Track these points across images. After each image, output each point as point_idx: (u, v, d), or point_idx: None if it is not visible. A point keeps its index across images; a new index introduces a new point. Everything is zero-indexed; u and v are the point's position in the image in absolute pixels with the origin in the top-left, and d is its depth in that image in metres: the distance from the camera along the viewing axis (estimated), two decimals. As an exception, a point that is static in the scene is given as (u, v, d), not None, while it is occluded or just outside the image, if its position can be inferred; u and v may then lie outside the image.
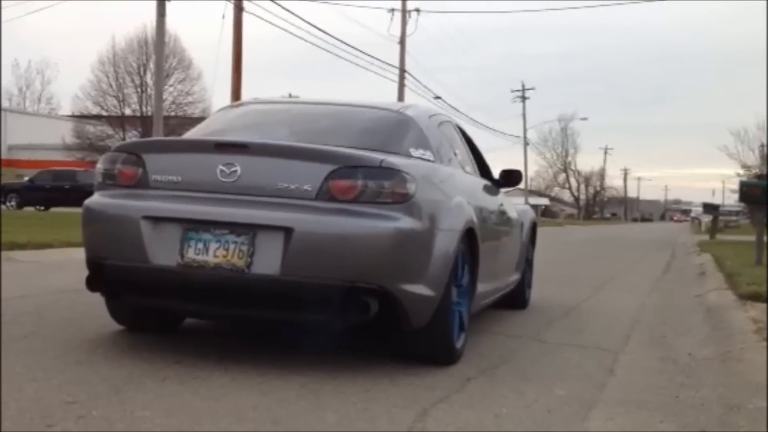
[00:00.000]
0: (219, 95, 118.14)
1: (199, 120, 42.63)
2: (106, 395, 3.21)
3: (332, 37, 35.65)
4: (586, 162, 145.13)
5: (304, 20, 43.91)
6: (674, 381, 4.17)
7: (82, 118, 47.04)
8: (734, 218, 50.93)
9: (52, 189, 29.74)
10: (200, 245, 3.78)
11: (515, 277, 6.33)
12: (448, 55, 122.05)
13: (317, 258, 3.65)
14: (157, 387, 3.38)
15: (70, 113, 51.41)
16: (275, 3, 26.16)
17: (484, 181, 5.62)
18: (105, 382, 3.42)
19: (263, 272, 3.68)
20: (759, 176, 14.53)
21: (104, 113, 47.41)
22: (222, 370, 3.75)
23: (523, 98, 70.80)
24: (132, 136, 45.26)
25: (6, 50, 67.73)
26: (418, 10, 41.16)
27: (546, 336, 5.44)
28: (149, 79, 43.51)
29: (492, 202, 5.46)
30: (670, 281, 11.00)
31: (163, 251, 3.81)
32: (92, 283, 4.10)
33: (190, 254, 3.78)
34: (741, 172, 48.90)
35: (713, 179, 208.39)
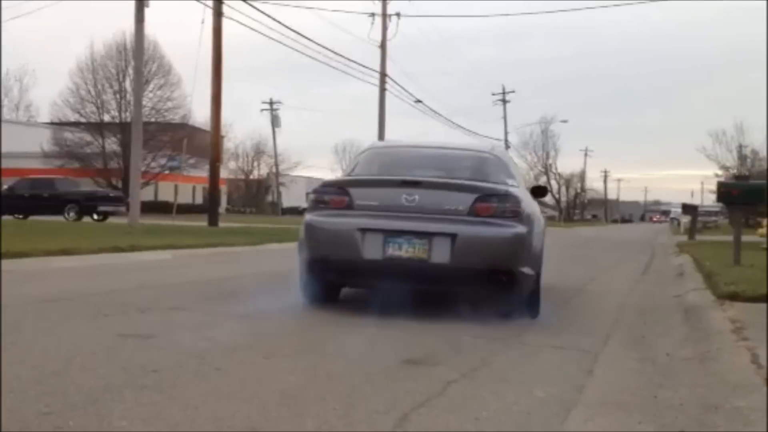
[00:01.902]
0: (199, 101, 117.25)
1: (180, 126, 42.17)
2: (83, 405, 3.18)
3: (312, 41, 35.62)
4: (566, 164, 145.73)
5: (284, 25, 43.76)
6: (653, 381, 4.19)
7: (60, 125, 46.69)
8: (713, 219, 51.24)
9: (31, 197, 29.47)
10: (396, 246, 5.83)
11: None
12: (429, 59, 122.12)
13: (471, 252, 5.77)
14: (134, 396, 3.35)
15: (48, 121, 51.01)
16: (255, 8, 26.08)
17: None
18: (82, 392, 3.38)
19: (439, 261, 5.80)
20: (737, 177, 14.69)
21: (83, 120, 47.07)
22: (201, 378, 3.74)
23: (504, 101, 71.13)
24: (111, 143, 45.09)
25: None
26: (398, 15, 41.23)
27: (527, 338, 5.46)
28: (128, 85, 43.26)
29: (539, 211, 7.13)
30: (649, 282, 11.07)
31: (371, 250, 5.84)
32: (316, 272, 6.11)
33: (390, 251, 5.85)
34: (719, 172, 49.35)
35: (692, 180, 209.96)
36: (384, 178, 6.47)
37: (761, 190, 12.40)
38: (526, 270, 6.01)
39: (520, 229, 5.94)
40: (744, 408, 3.48)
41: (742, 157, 52.98)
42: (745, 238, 13.02)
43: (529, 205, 6.42)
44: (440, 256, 5.77)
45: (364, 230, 5.88)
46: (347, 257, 5.89)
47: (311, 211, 6.25)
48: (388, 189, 6.13)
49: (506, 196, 6.05)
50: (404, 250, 5.80)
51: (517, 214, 5.96)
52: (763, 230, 18.12)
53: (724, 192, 11.99)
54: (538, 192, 7.61)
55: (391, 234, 5.83)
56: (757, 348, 4.64)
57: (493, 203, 5.95)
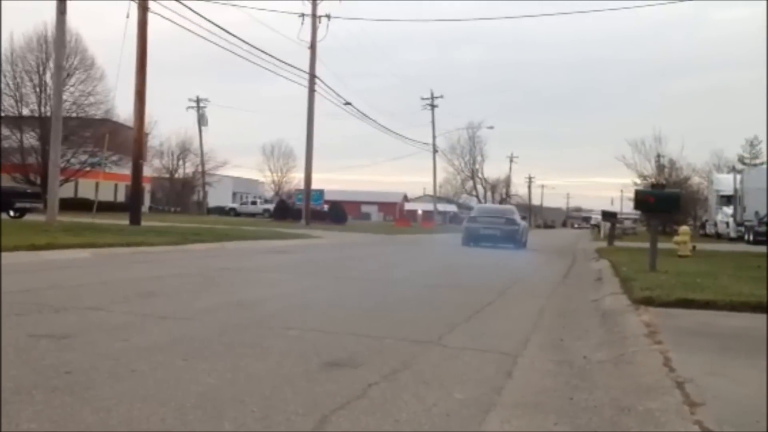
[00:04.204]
0: (122, 97, 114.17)
1: (102, 122, 41.17)
2: (-10, 408, 3.06)
3: (240, 39, 35.26)
4: (492, 170, 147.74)
5: (212, 22, 43.16)
6: (569, 384, 4.28)
7: (-24, 118, 44.99)
8: (632, 226, 52.73)
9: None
10: (488, 231, 26.55)
11: (526, 239, 28.09)
12: (359, 61, 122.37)
13: (505, 233, 26.39)
14: (45, 398, 3.25)
15: (-38, 113, 48.99)
16: (182, 4, 25.59)
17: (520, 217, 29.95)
18: (-11, 394, 3.26)
19: (497, 235, 26.55)
20: (654, 185, 15.10)
21: (0, 114, 45.54)
22: (115, 379, 3.64)
23: (432, 106, 71.73)
24: (30, 138, 43.78)
25: None
26: (328, 16, 41.16)
27: (448, 341, 5.50)
28: (49, 78, 42.02)
29: (524, 223, 31.10)
30: (569, 286, 11.31)
31: (482, 232, 27.00)
32: (470, 236, 26.82)
33: (486, 232, 26.62)
34: (638, 181, 50.75)
35: (612, 188, 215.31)
36: (485, 216, 27.36)
37: (676, 199, 12.84)
38: (523, 238, 26.95)
39: (515, 227, 26.46)
40: (655, 410, 3.58)
41: (659, 167, 54.65)
42: (662, 245, 13.43)
43: (520, 220, 28.69)
44: (498, 233, 25.92)
45: (479, 227, 26.40)
46: (476, 234, 26.21)
47: (467, 222, 27.59)
48: (486, 217, 27.11)
49: (512, 220, 26.89)
50: (489, 232, 26.00)
51: (515, 223, 26.72)
52: (678, 237, 18.69)
53: (641, 200, 12.34)
54: (524, 217, 37.27)
55: (486, 228, 26.21)
56: (670, 351, 4.80)
57: (509, 221, 26.64)
